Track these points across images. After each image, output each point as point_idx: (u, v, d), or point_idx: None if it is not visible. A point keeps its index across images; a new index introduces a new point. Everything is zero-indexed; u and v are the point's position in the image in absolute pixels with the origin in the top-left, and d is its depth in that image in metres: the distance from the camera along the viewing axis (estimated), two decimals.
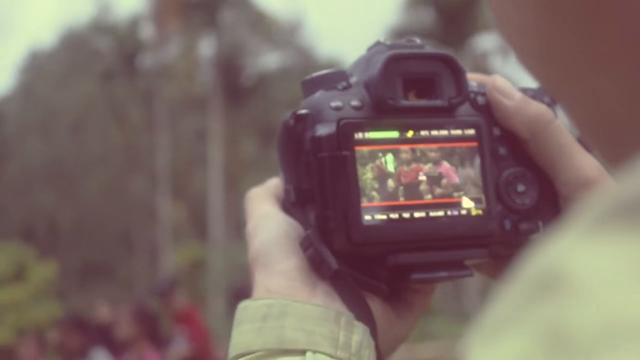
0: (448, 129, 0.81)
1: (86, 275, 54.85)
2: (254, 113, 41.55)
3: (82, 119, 59.11)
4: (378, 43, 0.84)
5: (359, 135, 0.78)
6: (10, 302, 29.15)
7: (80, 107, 57.38)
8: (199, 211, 46.18)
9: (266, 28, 41.32)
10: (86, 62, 52.83)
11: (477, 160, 0.80)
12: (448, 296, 27.54)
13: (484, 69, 42.11)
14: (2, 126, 52.81)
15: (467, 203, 0.80)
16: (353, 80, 0.83)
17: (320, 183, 0.77)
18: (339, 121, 0.78)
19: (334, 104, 0.79)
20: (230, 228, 41.68)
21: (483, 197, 0.80)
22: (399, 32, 41.52)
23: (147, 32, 42.88)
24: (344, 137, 0.77)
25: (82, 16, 57.15)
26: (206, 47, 41.11)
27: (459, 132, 0.81)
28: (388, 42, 0.84)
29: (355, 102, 0.79)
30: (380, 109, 0.79)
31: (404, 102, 0.80)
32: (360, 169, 0.77)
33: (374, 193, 0.77)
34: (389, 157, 0.78)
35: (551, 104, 0.82)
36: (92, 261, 56.28)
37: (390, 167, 0.78)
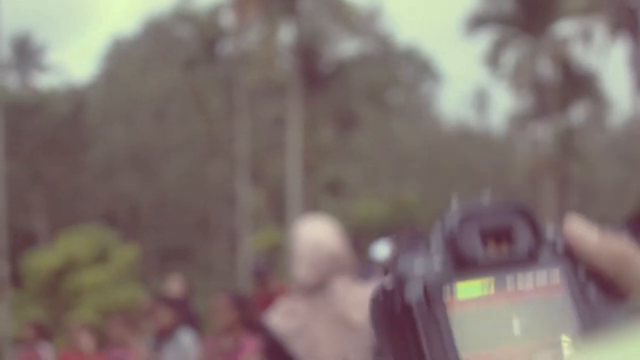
0: (533, 279, 0.81)
1: (166, 258, 55.70)
2: (332, 100, 41.76)
3: (164, 105, 59.95)
4: (452, 203, 0.87)
5: (447, 297, 0.77)
6: (93, 284, 29.86)
7: (162, 94, 58.19)
8: (278, 196, 46.58)
9: (345, 15, 41.42)
10: (168, 49, 53.55)
11: (569, 307, 0.79)
12: None
13: (565, 56, 41.62)
14: (86, 113, 53.85)
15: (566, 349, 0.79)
16: (433, 240, 0.84)
17: (416, 348, 0.77)
18: (425, 286, 0.77)
19: (418, 268, 0.79)
20: (308, 212, 42.00)
21: (580, 342, 0.79)
22: (479, 19, 41.30)
23: (227, 19, 43.36)
24: (432, 300, 0.77)
25: (164, 4, 57.87)
26: (286, 34, 41.36)
27: (544, 282, 0.80)
28: (462, 202, 0.86)
29: (437, 264, 0.79)
30: (463, 266, 0.79)
31: (485, 257, 0.80)
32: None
33: None
34: None
35: (631, 236, 0.83)
36: (172, 245, 57.10)
37: None
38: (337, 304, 3.46)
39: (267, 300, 8.58)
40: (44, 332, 9.91)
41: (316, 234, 3.67)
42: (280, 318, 3.52)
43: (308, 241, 3.61)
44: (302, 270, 3.56)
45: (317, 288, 3.52)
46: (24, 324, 9.91)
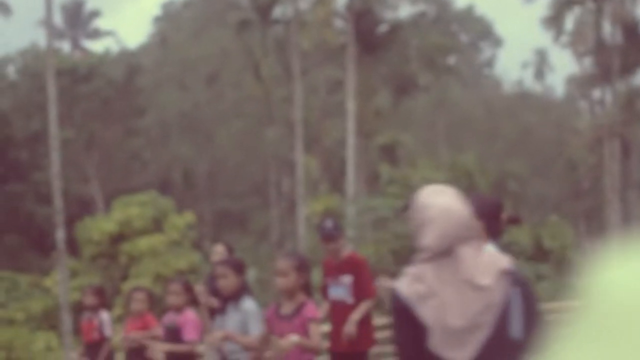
0: None
1: (222, 225, 56.01)
2: (388, 63, 41.26)
3: (218, 69, 59.97)
4: None
5: None
6: (149, 250, 30.02)
7: (216, 58, 58.18)
8: (334, 162, 46.41)
9: None
10: (221, 12, 53.48)
11: None
12: None
13: (628, 17, 40.71)
14: (139, 78, 54.00)
15: None
16: None
17: None
18: None
19: None
20: (364, 178, 41.77)
21: None
22: None
23: None
24: None
25: None
26: None
27: None
28: None
29: None
30: None
31: None
32: None
33: None
34: None
35: None
36: (227, 211, 57.41)
37: None
38: (465, 269, 3.52)
39: (337, 267, 8.37)
40: (104, 298, 9.88)
41: (444, 200, 3.70)
42: (408, 283, 3.56)
43: (436, 208, 3.65)
44: (430, 236, 3.59)
45: (445, 253, 3.55)
46: (85, 289, 9.86)
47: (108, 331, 9.63)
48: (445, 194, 3.74)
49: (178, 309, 7.56)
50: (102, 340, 9.48)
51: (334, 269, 8.34)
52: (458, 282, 3.50)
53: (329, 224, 8.56)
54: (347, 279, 8.25)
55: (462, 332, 3.46)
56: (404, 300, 3.52)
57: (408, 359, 3.58)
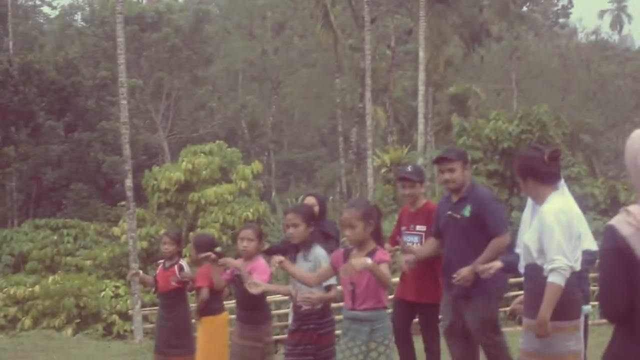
0: None
1: (289, 174, 56.28)
2: (460, 11, 40.67)
3: (286, 17, 59.85)
4: None
5: None
6: (217, 199, 30.22)
7: (284, 6, 58.03)
8: (403, 112, 46.18)
9: None
10: None
11: None
12: None
13: None
14: (207, 25, 54.06)
15: None
16: None
17: None
18: None
19: None
20: (434, 129, 41.50)
21: None
22: None
23: None
24: None
25: None
26: None
27: None
28: None
29: None
30: None
31: None
32: None
33: None
34: None
35: None
36: (293, 162, 57.61)
37: None
38: None
39: (412, 216, 8.29)
40: (181, 246, 9.93)
41: None
42: (628, 222, 3.45)
43: None
44: None
45: None
46: (162, 236, 9.89)
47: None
48: None
49: (249, 257, 7.55)
50: (180, 288, 9.47)
51: (409, 218, 8.23)
52: None
53: (410, 167, 8.48)
54: (421, 227, 8.15)
55: None
56: (623, 241, 3.43)
57: (616, 303, 3.50)
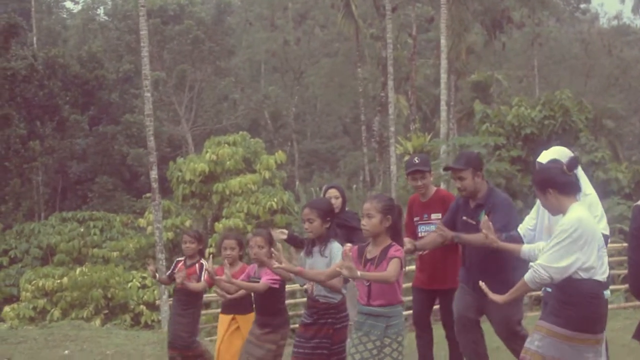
0: None
1: (312, 164, 56.32)
2: (480, 0, 40.52)
3: (307, 8, 59.82)
4: None
5: None
6: (241, 189, 30.30)
7: None
8: (425, 100, 46.09)
9: None
10: None
11: None
12: None
13: None
14: (229, 17, 54.10)
15: None
16: None
17: None
18: None
19: None
20: (456, 116, 41.40)
21: None
22: None
23: None
24: None
25: None
26: None
27: None
28: None
29: None
30: None
31: None
32: None
33: None
34: None
35: None
36: (316, 151, 57.63)
37: None
38: None
39: (425, 205, 8.30)
40: (203, 244, 9.96)
41: None
42: None
43: None
44: None
45: None
46: (184, 235, 9.93)
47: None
48: None
49: (257, 263, 7.52)
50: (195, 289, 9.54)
51: (422, 208, 8.23)
52: None
53: (416, 159, 8.44)
54: (436, 216, 8.13)
55: None
56: None
57: None
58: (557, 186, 5.60)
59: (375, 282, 5.93)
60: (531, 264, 5.42)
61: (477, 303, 7.52)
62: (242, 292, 7.88)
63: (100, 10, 61.64)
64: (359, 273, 5.78)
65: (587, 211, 5.62)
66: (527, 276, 5.39)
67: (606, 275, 5.52)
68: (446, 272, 8.15)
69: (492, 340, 7.92)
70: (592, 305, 5.43)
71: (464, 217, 7.53)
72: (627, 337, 3.53)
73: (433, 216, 8.15)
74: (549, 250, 5.39)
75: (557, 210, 5.72)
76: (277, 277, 7.27)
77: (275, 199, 30.22)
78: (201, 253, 9.78)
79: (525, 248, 6.05)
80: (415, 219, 8.26)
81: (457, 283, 8.04)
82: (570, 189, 5.62)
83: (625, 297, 14.94)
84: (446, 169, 7.86)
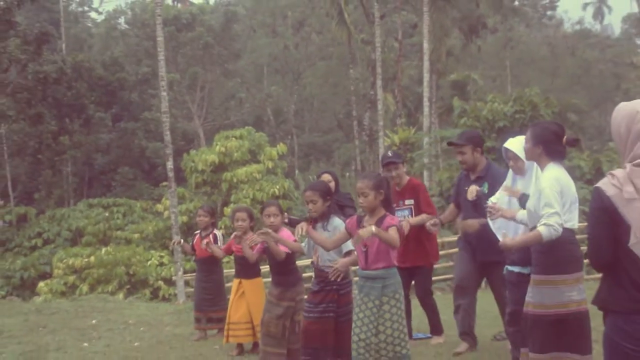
0: None
1: (310, 155, 56.27)
2: (459, 6, 40.43)
3: (305, 16, 59.68)
4: None
5: None
6: (247, 178, 30.33)
7: (303, 5, 57.89)
8: (410, 97, 46.06)
9: None
10: None
11: None
12: None
13: None
14: (235, 24, 54.03)
15: None
16: None
17: None
18: None
19: None
20: (437, 112, 41.39)
21: None
22: None
23: None
24: None
25: None
26: None
27: None
28: None
29: None
30: None
31: None
32: None
33: None
34: None
35: None
36: (313, 144, 57.59)
37: None
38: None
39: (399, 193, 8.39)
40: (215, 217, 10.08)
41: None
42: (614, 184, 3.49)
43: None
44: None
45: None
46: (198, 209, 10.04)
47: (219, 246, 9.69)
48: None
49: (275, 230, 7.50)
50: (214, 255, 9.63)
51: (397, 195, 8.33)
52: None
53: (390, 152, 8.61)
54: (409, 201, 8.33)
55: None
56: (608, 200, 3.45)
57: (603, 256, 3.53)
58: (548, 148, 5.55)
59: (384, 241, 5.92)
60: (547, 221, 5.30)
61: (476, 271, 7.59)
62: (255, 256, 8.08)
63: (121, 20, 61.55)
64: (373, 228, 5.81)
65: (562, 170, 5.59)
66: (545, 232, 5.28)
67: (575, 223, 5.57)
68: (419, 251, 8.25)
69: (494, 308, 7.98)
70: (566, 249, 5.48)
71: (466, 188, 7.64)
72: (589, 305, 3.65)
73: (407, 202, 8.32)
74: (552, 208, 5.35)
75: (535, 162, 5.77)
76: (293, 240, 7.35)
77: (277, 186, 30.27)
78: (214, 225, 9.92)
79: (520, 213, 6.04)
80: (393, 206, 8.32)
81: (429, 261, 8.16)
82: (557, 156, 5.56)
83: (587, 270, 15.01)
84: (449, 144, 7.95)
